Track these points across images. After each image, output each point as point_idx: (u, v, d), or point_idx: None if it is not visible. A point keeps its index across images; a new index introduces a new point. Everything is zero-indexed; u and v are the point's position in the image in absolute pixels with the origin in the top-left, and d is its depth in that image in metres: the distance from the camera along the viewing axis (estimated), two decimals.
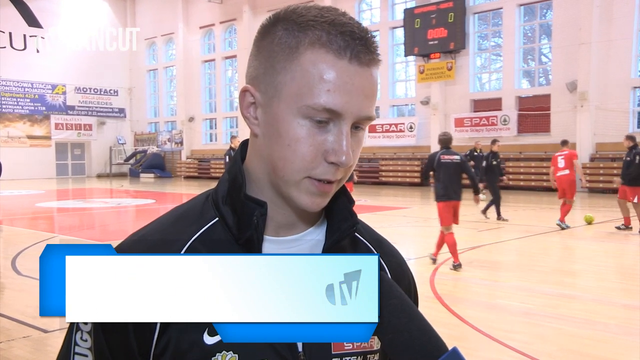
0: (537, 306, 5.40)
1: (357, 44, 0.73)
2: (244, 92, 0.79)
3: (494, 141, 11.87)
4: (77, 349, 0.78)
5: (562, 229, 10.10)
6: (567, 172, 10.51)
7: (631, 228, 9.95)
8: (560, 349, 4.27)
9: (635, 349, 4.27)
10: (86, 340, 0.77)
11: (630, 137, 10.67)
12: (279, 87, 0.74)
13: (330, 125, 0.73)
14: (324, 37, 0.72)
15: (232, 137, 12.53)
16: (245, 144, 0.85)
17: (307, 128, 0.73)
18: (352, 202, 0.84)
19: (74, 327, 0.79)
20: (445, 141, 7.19)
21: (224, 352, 0.75)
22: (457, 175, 6.99)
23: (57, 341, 4.46)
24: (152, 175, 30.57)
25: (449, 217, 6.86)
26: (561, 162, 10.67)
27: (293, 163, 0.74)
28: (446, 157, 6.97)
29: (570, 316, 5.01)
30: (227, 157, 12.11)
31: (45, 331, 4.71)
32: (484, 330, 4.59)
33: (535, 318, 5.02)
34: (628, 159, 10.20)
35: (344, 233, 0.82)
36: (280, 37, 0.75)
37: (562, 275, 6.73)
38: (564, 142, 11.19)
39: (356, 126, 0.76)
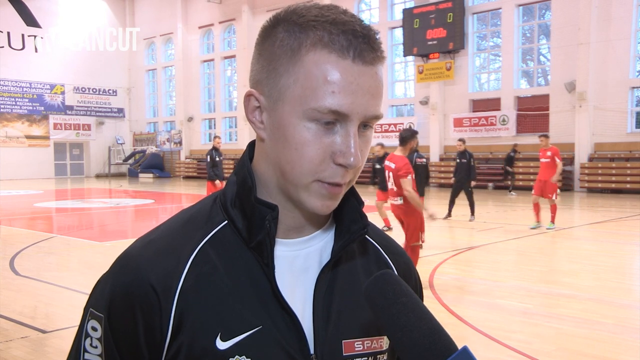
0: (535, 306, 5.41)
1: (359, 42, 0.71)
2: (248, 96, 0.77)
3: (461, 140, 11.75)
4: (87, 356, 0.76)
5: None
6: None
7: (392, 228, 9.65)
8: (559, 348, 4.27)
9: (633, 348, 4.28)
10: (96, 347, 0.76)
11: (380, 144, 10.81)
12: (283, 90, 0.73)
13: (337, 126, 0.72)
14: (326, 37, 0.71)
15: (215, 137, 12.37)
16: (252, 145, 0.83)
17: (313, 131, 0.72)
18: (361, 203, 0.83)
19: (82, 334, 0.78)
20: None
21: (237, 356, 0.74)
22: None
23: (55, 342, 4.45)
24: (151, 175, 30.55)
25: None
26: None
27: (301, 167, 0.73)
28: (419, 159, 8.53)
29: (568, 316, 5.02)
30: (209, 157, 11.92)
31: (43, 331, 4.71)
32: (482, 329, 4.59)
33: (533, 317, 5.02)
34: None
35: (354, 235, 0.81)
36: (281, 39, 0.73)
37: (560, 275, 6.73)
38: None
39: (364, 125, 0.75)
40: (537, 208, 10.27)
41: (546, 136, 10.55)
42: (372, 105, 0.73)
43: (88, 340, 0.76)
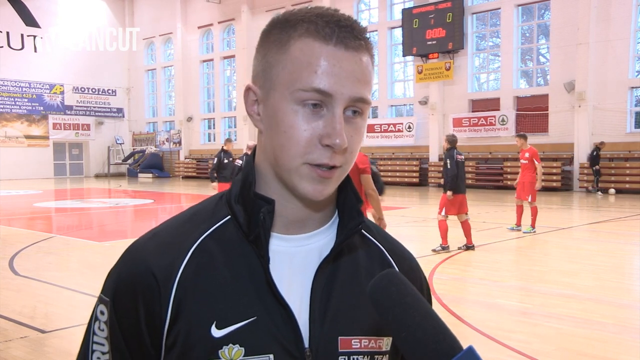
0: (535, 306, 5.41)
1: (343, 31, 0.76)
2: (247, 90, 0.82)
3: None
4: (96, 338, 0.81)
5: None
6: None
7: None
8: (558, 348, 4.27)
9: (633, 348, 4.28)
10: (103, 330, 0.81)
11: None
12: (273, 79, 0.78)
13: (323, 110, 0.76)
14: (312, 27, 0.76)
15: (227, 140, 12.00)
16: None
17: (301, 114, 0.76)
18: (360, 201, 0.85)
19: (93, 318, 0.83)
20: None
21: (230, 345, 0.76)
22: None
23: (54, 341, 4.45)
24: (150, 175, 30.55)
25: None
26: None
27: (289, 149, 0.76)
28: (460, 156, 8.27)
29: (568, 316, 5.02)
30: (217, 158, 11.51)
31: (42, 331, 4.70)
32: (482, 330, 4.59)
33: (533, 317, 5.02)
34: None
35: (350, 231, 0.83)
36: (274, 34, 0.79)
37: (560, 275, 6.73)
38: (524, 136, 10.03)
39: (353, 110, 0.77)
40: (519, 210, 9.85)
41: (521, 136, 9.94)
42: (357, 87, 0.76)
43: (97, 324, 0.82)
